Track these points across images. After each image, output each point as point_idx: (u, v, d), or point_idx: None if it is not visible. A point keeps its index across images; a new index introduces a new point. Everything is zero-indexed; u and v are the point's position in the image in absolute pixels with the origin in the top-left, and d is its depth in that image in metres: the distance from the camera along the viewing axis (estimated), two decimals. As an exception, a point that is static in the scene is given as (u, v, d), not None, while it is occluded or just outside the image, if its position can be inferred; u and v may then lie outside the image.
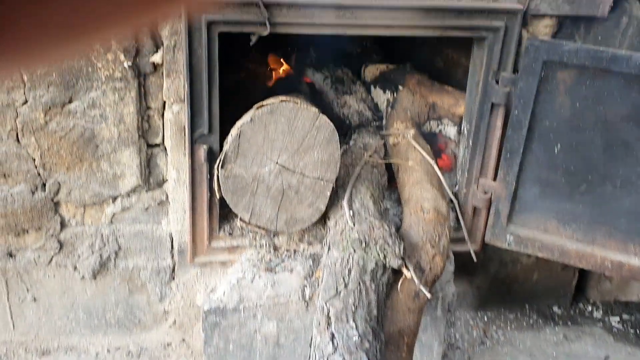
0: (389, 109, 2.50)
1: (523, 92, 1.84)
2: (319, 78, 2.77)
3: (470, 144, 2.06)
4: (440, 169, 2.24)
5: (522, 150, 1.90)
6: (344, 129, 2.45)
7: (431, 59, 2.63)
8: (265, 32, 1.78)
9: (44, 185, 1.95)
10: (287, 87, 2.47)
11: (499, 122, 1.97)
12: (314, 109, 1.83)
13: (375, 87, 2.69)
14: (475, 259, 2.09)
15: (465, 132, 2.11)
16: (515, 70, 1.93)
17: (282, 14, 1.77)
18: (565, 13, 1.94)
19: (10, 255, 2.03)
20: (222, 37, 1.78)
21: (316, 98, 2.58)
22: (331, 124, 1.83)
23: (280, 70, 2.75)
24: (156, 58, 1.81)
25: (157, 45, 1.80)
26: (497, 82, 1.93)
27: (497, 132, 1.98)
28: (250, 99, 1.96)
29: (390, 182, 2.23)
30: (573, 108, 1.82)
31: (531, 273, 2.45)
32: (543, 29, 1.97)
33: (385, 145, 2.33)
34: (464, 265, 2.17)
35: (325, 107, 2.53)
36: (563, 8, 1.93)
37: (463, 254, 2.12)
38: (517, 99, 1.86)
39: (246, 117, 1.82)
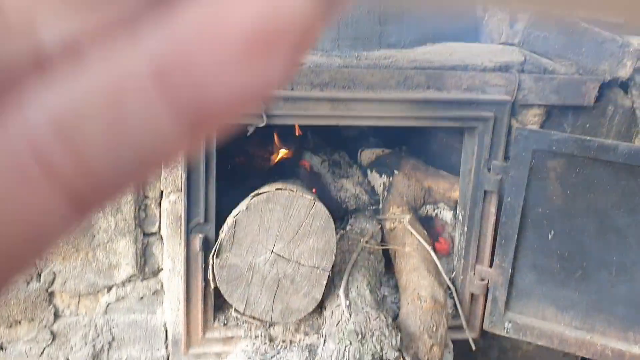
0: (385, 193, 2.53)
1: (514, 180, 1.87)
2: (317, 161, 2.81)
3: (465, 230, 2.07)
4: (437, 253, 2.24)
5: (516, 237, 1.91)
6: (341, 213, 2.47)
7: (426, 143, 2.69)
8: (262, 124, 1.83)
9: (39, 275, 1.95)
10: (286, 170, 2.51)
11: (492, 209, 1.99)
12: (310, 197, 1.86)
13: (371, 171, 2.74)
14: (474, 347, 2.05)
15: (460, 218, 2.13)
16: (506, 158, 1.97)
17: (278, 106, 1.83)
18: (553, 103, 2.01)
19: (1, 347, 2.00)
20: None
21: (314, 181, 2.62)
22: (327, 211, 1.85)
23: (279, 154, 2.80)
24: (154, 150, 1.85)
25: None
26: (489, 169, 1.97)
27: (492, 219, 2.00)
28: (249, 183, 1.99)
29: (388, 267, 2.22)
30: (564, 195, 1.85)
31: (532, 360, 2.40)
32: (532, 117, 2.03)
33: (382, 229, 2.34)
34: (463, 354, 2.13)
35: (322, 191, 2.56)
36: (550, 98, 1.99)
37: (462, 342, 2.08)
38: (509, 186, 1.89)
39: (242, 206, 1.84)
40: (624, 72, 2.03)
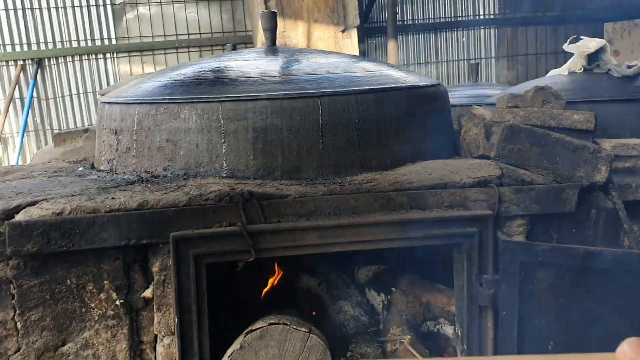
0: (385, 312, 2.51)
1: (507, 294, 1.88)
2: (314, 283, 2.81)
3: (466, 347, 2.04)
4: (443, 369, 2.19)
5: (516, 350, 1.88)
6: (341, 337, 2.43)
7: (421, 256, 2.70)
8: (251, 258, 1.86)
9: None
10: (284, 295, 2.50)
11: (489, 324, 1.97)
12: (304, 329, 1.85)
13: (369, 289, 2.73)
14: None
15: (459, 334, 2.10)
16: (496, 270, 1.99)
17: (266, 240, 1.88)
18: (535, 212, 2.05)
19: None
20: (213, 263, 1.86)
21: (314, 304, 2.61)
22: (322, 343, 1.84)
23: (275, 279, 2.81)
24: (147, 293, 1.87)
25: (147, 281, 1.88)
26: (480, 284, 1.98)
27: (490, 334, 1.97)
28: (246, 309, 1.98)
29: (393, 390, 2.16)
30: (558, 304, 1.84)
31: None
32: (517, 228, 2.06)
33: (383, 352, 2.30)
34: None
35: (322, 313, 2.54)
36: (532, 208, 2.04)
37: None
38: (503, 300, 1.89)
39: (236, 345, 1.83)
40: (600, 177, 2.09)
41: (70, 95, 6.53)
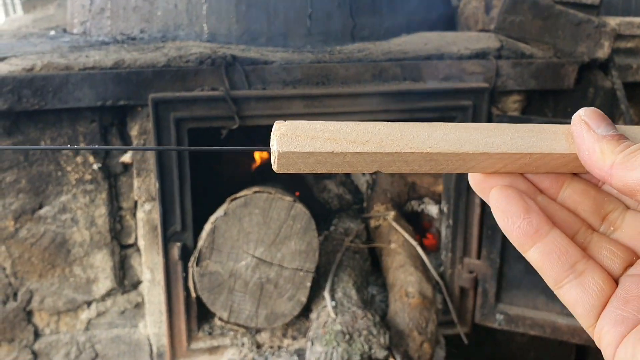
0: (369, 191, 2.48)
1: (497, 169, 1.83)
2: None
3: (451, 223, 2.02)
4: (426, 248, 2.20)
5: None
6: (325, 214, 2.42)
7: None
8: (235, 125, 1.78)
9: (16, 294, 1.88)
10: (267, 174, 2.46)
11: (477, 200, 1.95)
12: (289, 198, 1.81)
13: (354, 169, 2.69)
14: (466, 342, 2.00)
15: (445, 211, 2.08)
16: (488, 146, 1.93)
17: (251, 106, 1.78)
18: (532, 88, 1.97)
19: (-20, 371, 1.94)
20: (195, 131, 1.78)
21: (296, 184, 2.57)
22: (307, 212, 1.80)
23: (259, 158, 2.75)
24: (126, 158, 1.80)
25: (126, 143, 1.80)
26: (471, 159, 1.92)
27: (477, 210, 1.95)
28: (230, 189, 1.94)
29: (375, 266, 2.17)
30: (549, 181, 1.81)
31: (527, 351, 2.36)
32: (512, 104, 1.99)
33: (367, 228, 2.29)
34: (457, 349, 2.08)
35: (305, 193, 2.51)
36: (529, 83, 1.95)
37: (454, 337, 2.04)
38: (492, 175, 1.85)
39: (220, 211, 1.79)
40: (602, 53, 2.00)
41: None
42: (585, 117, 0.42)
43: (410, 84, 1.88)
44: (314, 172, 0.42)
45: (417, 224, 2.42)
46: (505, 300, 1.93)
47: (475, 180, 0.46)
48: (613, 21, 2.20)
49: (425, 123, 0.43)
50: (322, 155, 0.40)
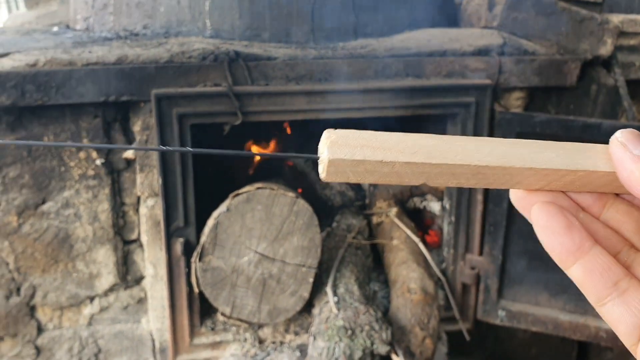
0: (371, 188, 2.49)
1: (500, 165, 1.83)
2: (300, 160, 2.77)
3: (453, 220, 2.03)
4: (428, 245, 2.20)
5: (505, 223, 1.87)
6: (327, 211, 2.42)
7: (412, 128, 2.64)
8: (238, 121, 1.78)
9: (19, 289, 1.89)
10: (270, 171, 2.46)
11: (479, 196, 1.95)
12: (291, 194, 1.81)
13: (356, 166, 2.69)
14: (468, 338, 2.01)
15: (448, 207, 2.09)
16: (490, 143, 1.93)
17: (253, 102, 1.78)
18: (535, 84, 1.97)
19: (-17, 366, 1.94)
20: (198, 126, 1.79)
21: (299, 180, 2.57)
22: (310, 208, 1.80)
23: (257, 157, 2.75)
24: (129, 154, 1.80)
25: (129, 141, 1.80)
26: (473, 156, 1.92)
27: (479, 207, 1.95)
28: (232, 186, 1.94)
29: (377, 262, 2.18)
30: (551, 178, 1.81)
31: (529, 348, 2.36)
32: (515, 101, 1.99)
33: (369, 225, 2.30)
34: (459, 345, 2.09)
35: (308, 190, 2.51)
36: (532, 80, 1.95)
37: (456, 333, 2.04)
38: (495, 172, 1.85)
39: (222, 207, 1.79)
40: (605, 50, 1.99)
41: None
42: (622, 139, 0.42)
43: (413, 80, 1.88)
44: (362, 181, 0.42)
45: (420, 220, 2.42)
46: (508, 297, 1.93)
47: (517, 197, 0.46)
48: (616, 18, 2.20)
49: (474, 137, 0.43)
50: (371, 164, 0.40)
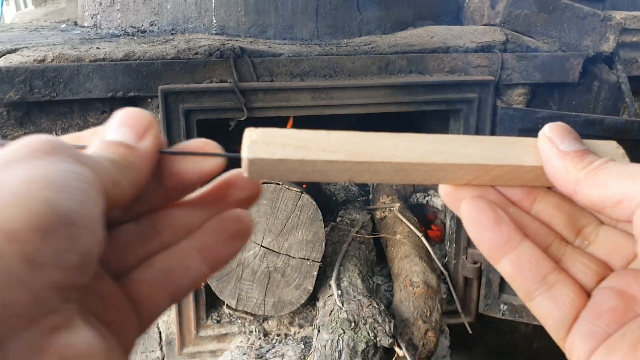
0: (374, 184, 2.51)
1: (502, 160, 1.85)
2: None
3: (456, 214, 2.04)
4: (431, 240, 2.23)
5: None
6: (331, 206, 2.45)
7: (414, 128, 2.66)
8: (243, 117, 1.81)
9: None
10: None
11: (481, 191, 1.97)
12: (296, 189, 1.83)
13: (360, 161, 2.71)
14: (470, 331, 2.03)
15: (450, 202, 2.10)
16: (493, 138, 1.95)
17: (259, 98, 1.81)
18: (537, 81, 1.99)
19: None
20: (204, 122, 1.81)
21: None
22: (314, 202, 1.83)
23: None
24: (136, 149, 1.82)
25: (136, 137, 1.82)
26: (475, 151, 1.95)
27: (481, 201, 1.97)
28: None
29: (380, 257, 2.20)
30: (553, 173, 1.83)
31: (531, 342, 2.38)
32: (517, 97, 2.01)
33: (372, 219, 2.32)
34: (461, 338, 2.11)
35: (312, 185, 2.54)
36: (534, 76, 1.97)
37: (459, 327, 2.07)
38: (497, 167, 1.87)
39: (228, 202, 1.82)
40: (607, 47, 2.01)
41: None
42: (549, 134, 0.43)
43: (416, 76, 1.90)
44: (286, 180, 0.41)
45: (423, 215, 2.44)
46: (509, 291, 1.96)
47: (445, 192, 0.45)
48: (619, 15, 2.21)
49: (397, 134, 0.43)
50: (292, 163, 0.40)
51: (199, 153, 0.40)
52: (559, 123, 0.43)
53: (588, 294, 0.41)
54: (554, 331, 0.41)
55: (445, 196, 0.45)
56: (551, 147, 0.42)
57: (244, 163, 0.39)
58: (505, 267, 0.42)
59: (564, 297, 0.41)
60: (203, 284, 1.85)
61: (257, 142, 0.40)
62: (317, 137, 0.41)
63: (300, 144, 0.40)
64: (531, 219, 0.44)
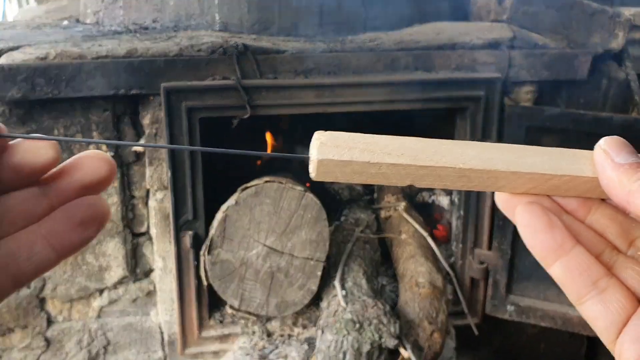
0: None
1: (509, 159, 1.82)
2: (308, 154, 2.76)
3: (462, 214, 2.02)
4: (437, 240, 2.20)
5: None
6: (335, 205, 2.42)
7: (418, 127, 2.63)
8: (246, 115, 1.78)
9: (29, 281, 1.90)
10: (278, 166, 2.46)
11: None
12: (300, 188, 1.81)
13: (365, 160, 2.68)
14: (476, 332, 2.00)
15: (457, 202, 2.08)
16: (500, 137, 1.92)
17: (262, 96, 1.79)
18: (545, 78, 1.96)
19: (-6, 357, 1.96)
20: (207, 120, 1.79)
21: (307, 174, 2.57)
22: (318, 202, 1.81)
23: (268, 147, 2.75)
24: (138, 147, 1.81)
25: (138, 134, 1.81)
26: (482, 150, 1.92)
27: (488, 201, 1.95)
28: (241, 178, 1.94)
29: (385, 257, 2.17)
30: (561, 172, 1.80)
31: (537, 343, 2.35)
32: (525, 95, 1.98)
33: (377, 219, 2.29)
34: (467, 339, 2.08)
35: (316, 183, 2.52)
36: (542, 74, 1.94)
37: (465, 328, 2.04)
38: (504, 166, 1.84)
39: (231, 200, 1.80)
40: (616, 44, 1.98)
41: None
42: (604, 146, 0.43)
43: (422, 73, 1.87)
44: (351, 181, 0.43)
45: (428, 215, 2.42)
46: (516, 292, 1.93)
47: (501, 200, 0.47)
48: (627, 12, 2.18)
49: (461, 141, 0.44)
50: (358, 165, 0.42)
51: (38, 137, 0.42)
52: (615, 137, 0.44)
53: (639, 301, 0.42)
54: (604, 334, 0.42)
55: (501, 203, 0.47)
56: (606, 159, 0.43)
57: (313, 164, 0.42)
58: (556, 270, 0.44)
59: (614, 302, 0.42)
60: (206, 284, 1.83)
61: (326, 144, 0.42)
62: (382, 141, 0.43)
63: (365, 147, 0.42)
64: (584, 227, 0.46)
